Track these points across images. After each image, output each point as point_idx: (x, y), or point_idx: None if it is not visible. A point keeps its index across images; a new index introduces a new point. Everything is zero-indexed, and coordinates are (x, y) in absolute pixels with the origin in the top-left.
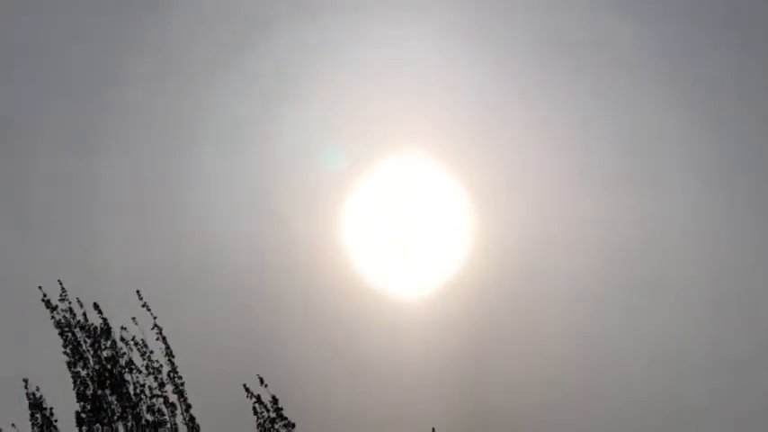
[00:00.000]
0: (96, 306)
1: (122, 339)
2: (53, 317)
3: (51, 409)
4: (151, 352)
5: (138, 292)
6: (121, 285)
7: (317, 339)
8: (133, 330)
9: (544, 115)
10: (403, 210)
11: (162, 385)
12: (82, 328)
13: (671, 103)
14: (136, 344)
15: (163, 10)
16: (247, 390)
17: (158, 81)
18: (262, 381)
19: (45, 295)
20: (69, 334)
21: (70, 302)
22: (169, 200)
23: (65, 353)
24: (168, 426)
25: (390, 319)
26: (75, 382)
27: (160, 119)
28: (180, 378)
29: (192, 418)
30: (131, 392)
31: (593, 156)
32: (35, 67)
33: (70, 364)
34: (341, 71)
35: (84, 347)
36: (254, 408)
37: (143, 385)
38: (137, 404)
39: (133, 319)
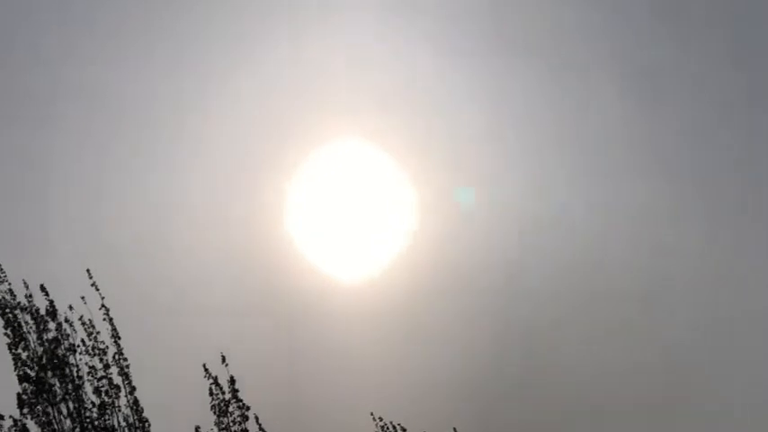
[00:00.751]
0: (43, 288)
1: (67, 321)
2: None
3: None
4: (98, 332)
5: (87, 270)
6: (71, 264)
7: (260, 321)
8: (81, 310)
9: (488, 99)
10: (345, 195)
11: (107, 367)
12: (23, 309)
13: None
14: (83, 324)
15: None
16: (206, 370)
17: None
18: (224, 359)
19: None
20: (10, 315)
21: (10, 283)
22: (114, 179)
23: (5, 334)
24: (114, 407)
25: (334, 302)
26: (15, 365)
27: (103, 97)
28: (125, 360)
29: (137, 401)
30: (75, 374)
31: (535, 136)
32: None
33: (11, 346)
34: (280, 58)
35: (25, 329)
36: (210, 389)
37: (91, 367)
38: (80, 386)
39: (82, 298)
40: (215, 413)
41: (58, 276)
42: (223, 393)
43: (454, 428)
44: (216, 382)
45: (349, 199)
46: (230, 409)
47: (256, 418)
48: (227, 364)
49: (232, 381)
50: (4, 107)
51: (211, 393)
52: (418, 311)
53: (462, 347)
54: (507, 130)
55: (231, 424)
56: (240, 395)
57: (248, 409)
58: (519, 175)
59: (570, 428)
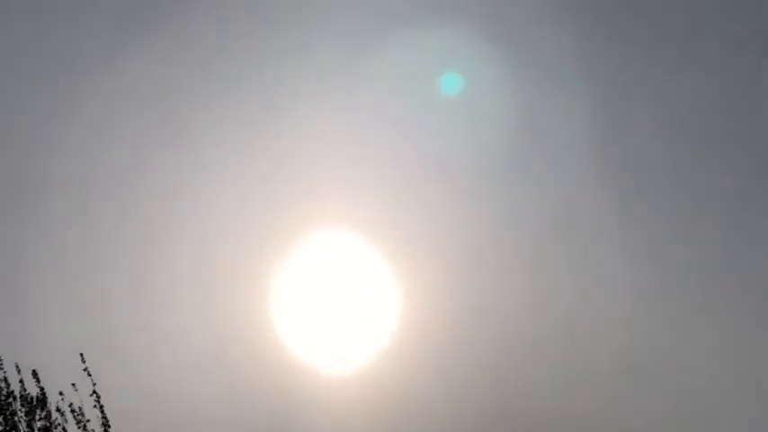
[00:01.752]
0: (35, 374)
1: (58, 410)
2: None
3: None
4: (87, 421)
5: (81, 355)
6: (63, 349)
7: (248, 417)
8: (71, 396)
9: (468, 190)
10: (329, 286)
11: None
12: (15, 398)
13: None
14: (73, 411)
15: None
16: None
17: None
18: None
19: None
20: (3, 403)
21: (5, 371)
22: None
23: None
24: None
25: (322, 395)
26: None
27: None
28: None
29: None
30: None
31: (516, 228)
32: None
33: None
34: (264, 153)
35: (18, 417)
36: None
37: None
38: None
39: (73, 385)
40: None
41: (48, 361)
42: None
43: None
44: None
45: (334, 290)
46: None
47: None
48: None
49: None
50: None
51: None
52: (404, 404)
53: None
54: (499, 223)
55: None
56: None
57: None
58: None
59: None
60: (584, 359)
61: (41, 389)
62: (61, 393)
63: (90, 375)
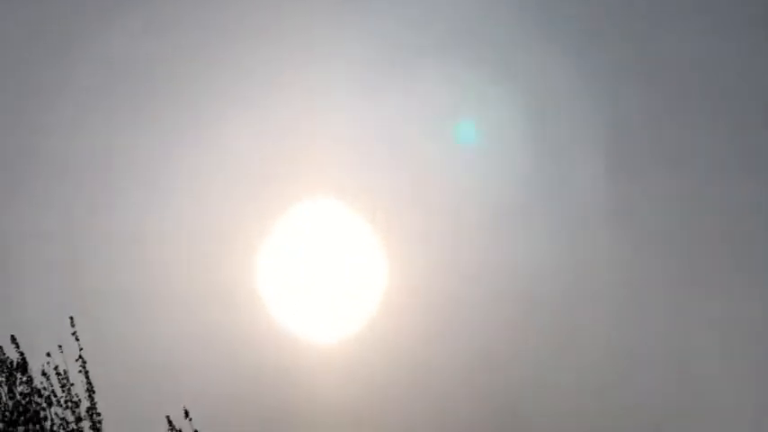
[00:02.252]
0: (14, 339)
1: (43, 373)
2: None
3: None
4: (72, 384)
5: (71, 318)
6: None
7: (234, 387)
8: (57, 359)
9: (452, 155)
10: (316, 254)
11: (79, 420)
12: None
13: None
14: (57, 374)
15: None
16: (170, 423)
17: None
18: (186, 414)
19: None
20: None
21: None
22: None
23: None
24: None
25: (309, 364)
26: None
27: (76, 161)
28: (98, 415)
29: None
30: (50, 428)
31: (511, 199)
32: None
33: None
34: (255, 113)
35: None
36: None
37: (62, 419)
38: None
39: (59, 347)
40: None
41: (36, 321)
42: None
43: None
44: None
45: (320, 259)
46: None
47: None
48: (190, 419)
49: None
50: None
51: None
52: (393, 371)
53: (444, 403)
54: (485, 202)
55: None
56: None
57: None
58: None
59: None
60: (578, 319)
61: (21, 354)
62: (49, 354)
63: (78, 340)
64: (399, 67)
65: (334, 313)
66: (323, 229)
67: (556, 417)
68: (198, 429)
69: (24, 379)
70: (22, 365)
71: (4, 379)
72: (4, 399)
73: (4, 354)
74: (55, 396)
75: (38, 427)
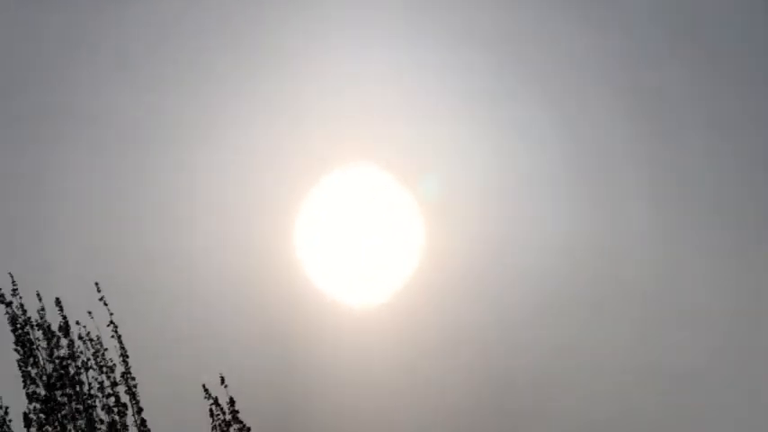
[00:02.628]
0: (58, 302)
1: (81, 338)
2: (7, 312)
3: (7, 408)
4: (105, 350)
5: (96, 284)
6: (77, 277)
7: (271, 352)
8: (88, 325)
9: (494, 122)
10: (354, 220)
11: (114, 385)
12: (33, 326)
13: (622, 103)
14: (91, 340)
15: None
16: (206, 390)
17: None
18: (222, 380)
19: (0, 290)
20: (20, 331)
21: (21, 297)
22: (121, 197)
23: (16, 350)
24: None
25: (346, 329)
26: (24, 382)
27: (109, 117)
28: (133, 379)
29: (144, 421)
30: (87, 392)
31: (544, 159)
32: None
33: (20, 363)
34: (295, 78)
35: (35, 346)
36: (210, 410)
37: (100, 383)
38: (91, 405)
39: (89, 313)
40: None
41: (62, 291)
42: (224, 414)
43: None
44: (216, 403)
45: (358, 222)
46: (231, 430)
47: None
48: (226, 386)
49: (231, 402)
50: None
51: (212, 414)
52: (431, 334)
53: (477, 367)
54: (520, 162)
55: None
56: (241, 417)
57: (249, 430)
58: (531, 201)
59: None
60: (610, 290)
61: (64, 317)
62: (78, 323)
63: (106, 305)
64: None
65: (371, 277)
66: (360, 192)
67: (595, 374)
68: (233, 396)
69: (66, 342)
70: (65, 329)
71: (44, 343)
72: (41, 363)
73: (43, 318)
74: (94, 359)
75: (77, 389)
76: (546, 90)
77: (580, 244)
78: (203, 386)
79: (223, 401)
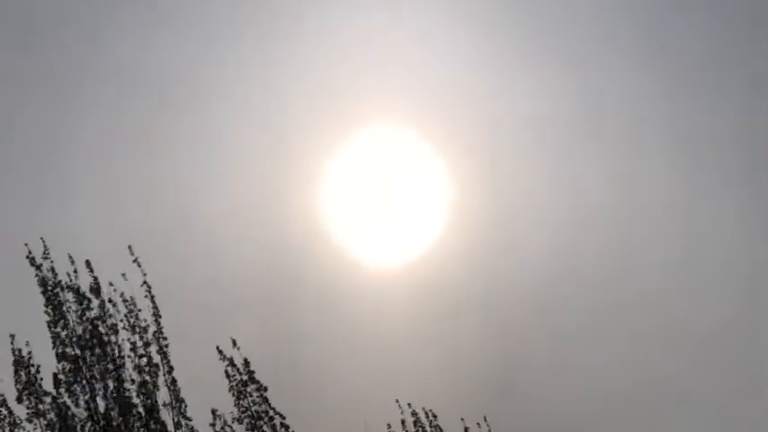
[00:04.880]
0: (88, 264)
1: (110, 301)
2: (37, 275)
3: (38, 366)
4: (139, 310)
5: (129, 247)
6: (110, 240)
7: (299, 310)
8: (121, 286)
9: (521, 84)
10: (380, 179)
11: (147, 345)
12: (63, 288)
13: (646, 73)
14: (125, 301)
15: None
16: (220, 352)
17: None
18: (234, 343)
19: (30, 252)
20: (51, 293)
21: (52, 261)
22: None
23: (46, 312)
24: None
25: (372, 289)
26: (54, 343)
27: (144, 77)
28: (165, 339)
29: (174, 381)
30: (117, 354)
31: (569, 121)
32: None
33: (50, 324)
34: (315, 42)
35: (65, 307)
36: (225, 371)
37: (132, 343)
38: (120, 366)
39: (123, 275)
40: (233, 395)
41: (96, 252)
42: (240, 374)
43: (462, 418)
44: (232, 363)
45: (385, 184)
46: (248, 389)
47: (268, 402)
48: (238, 348)
49: (246, 363)
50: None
51: (228, 376)
52: (453, 297)
53: (496, 331)
54: (547, 121)
55: (251, 405)
56: (258, 377)
57: (266, 389)
58: (553, 168)
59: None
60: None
61: (95, 278)
62: (111, 284)
63: (140, 266)
64: None
65: (397, 238)
66: (387, 153)
67: (617, 333)
68: (247, 358)
69: (97, 303)
70: (96, 290)
71: (74, 305)
72: (71, 324)
73: (72, 279)
74: (126, 320)
75: (107, 349)
76: (569, 53)
77: (608, 209)
78: (217, 348)
79: (238, 363)
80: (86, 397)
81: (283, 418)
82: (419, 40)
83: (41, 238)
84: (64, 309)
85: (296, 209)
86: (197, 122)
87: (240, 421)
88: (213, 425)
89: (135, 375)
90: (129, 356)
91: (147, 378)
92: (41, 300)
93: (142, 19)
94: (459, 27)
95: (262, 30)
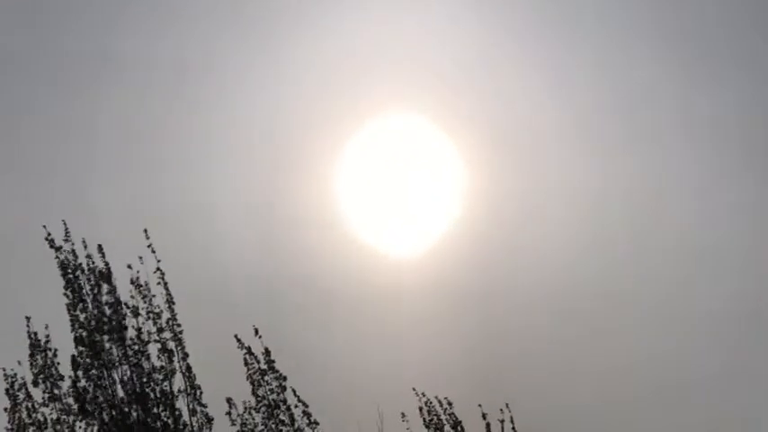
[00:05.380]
0: (100, 248)
1: (132, 282)
2: (57, 257)
3: (55, 350)
4: (153, 296)
5: (145, 231)
6: (127, 225)
7: (314, 298)
8: (136, 271)
9: (536, 73)
10: (394, 169)
11: (161, 331)
12: (83, 270)
13: (665, 58)
14: (138, 285)
15: None
16: (239, 341)
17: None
18: (256, 332)
19: (49, 234)
20: (71, 276)
21: (74, 244)
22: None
23: (65, 294)
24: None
25: (382, 276)
26: (73, 326)
27: (161, 63)
28: (179, 326)
29: (189, 367)
30: (137, 338)
31: (585, 110)
32: None
33: (69, 307)
34: (333, 29)
35: (85, 290)
36: (244, 359)
37: (150, 333)
38: (138, 351)
39: (140, 258)
40: (251, 383)
41: (112, 238)
42: (258, 363)
43: (479, 404)
44: (249, 352)
45: (399, 174)
46: (266, 378)
47: (293, 391)
48: (260, 337)
49: (267, 352)
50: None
51: (246, 364)
52: (466, 287)
53: (509, 322)
54: (561, 112)
55: (268, 393)
56: (278, 366)
57: (285, 379)
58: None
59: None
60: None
61: (106, 263)
62: (130, 266)
63: (154, 252)
64: None
65: (412, 226)
66: (402, 141)
67: (629, 315)
68: (268, 347)
69: (108, 289)
70: (107, 275)
71: (89, 288)
72: (90, 308)
73: (92, 263)
74: (137, 311)
75: (122, 334)
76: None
77: (621, 192)
78: (236, 336)
79: (258, 352)
80: (104, 381)
81: (306, 406)
82: (429, 26)
83: (63, 221)
84: (83, 292)
85: (311, 196)
86: (212, 113)
87: (257, 410)
88: (229, 413)
89: (156, 361)
90: (144, 342)
91: (163, 364)
92: (57, 283)
93: (157, 8)
94: (472, 12)
95: (273, 19)
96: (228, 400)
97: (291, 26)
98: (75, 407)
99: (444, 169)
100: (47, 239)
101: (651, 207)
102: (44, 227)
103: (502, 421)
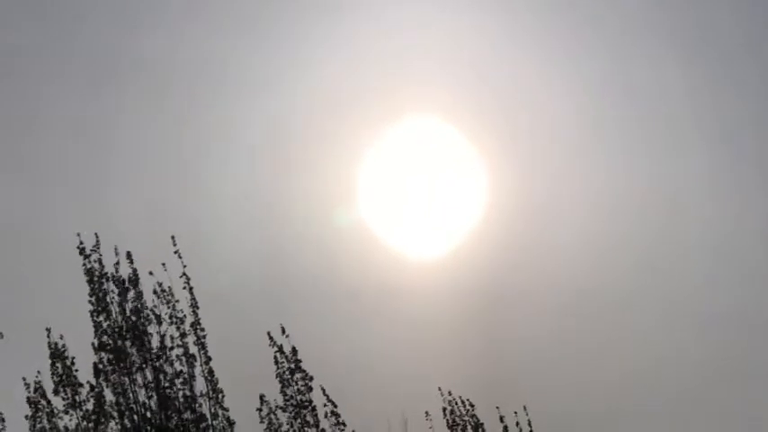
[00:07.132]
0: (129, 255)
1: (154, 292)
2: (84, 264)
3: (73, 358)
4: (176, 301)
5: (172, 237)
6: (152, 230)
7: (336, 302)
8: (161, 277)
9: (556, 76)
10: (415, 172)
11: (183, 336)
12: (109, 279)
13: (686, 61)
14: (163, 291)
15: None
16: (271, 338)
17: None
18: (284, 331)
19: (81, 242)
20: (97, 283)
21: (101, 254)
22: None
23: (90, 302)
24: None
25: (403, 279)
26: (96, 332)
27: (178, 69)
28: (202, 330)
29: (212, 372)
30: (155, 345)
31: (604, 113)
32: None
33: (93, 313)
34: (356, 33)
35: (109, 298)
36: (275, 357)
37: (173, 337)
38: (160, 356)
39: (163, 264)
40: (279, 382)
41: (129, 240)
42: (288, 362)
43: (524, 406)
44: (280, 350)
45: (420, 177)
46: (294, 377)
47: (323, 389)
48: (287, 335)
49: (294, 351)
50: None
51: (276, 362)
52: (487, 289)
53: (530, 325)
54: (581, 116)
55: (296, 393)
56: (304, 366)
57: (312, 379)
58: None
59: None
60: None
61: (134, 270)
62: (151, 273)
63: (180, 258)
64: None
65: (434, 229)
66: (424, 144)
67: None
68: (296, 346)
69: (134, 296)
70: (134, 281)
71: (116, 295)
72: (114, 315)
73: (118, 271)
74: (159, 318)
75: (145, 340)
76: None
77: (640, 195)
78: (268, 333)
79: (286, 351)
80: (126, 387)
81: (335, 406)
82: (461, 31)
83: (95, 234)
84: (108, 299)
85: (334, 199)
86: (236, 113)
87: (284, 409)
88: (260, 410)
89: (178, 366)
90: (168, 347)
91: (185, 368)
92: (77, 291)
93: (180, 8)
94: (494, 17)
95: (297, 19)
96: (261, 397)
97: (319, 27)
98: (95, 413)
99: (466, 173)
100: (78, 247)
101: (667, 210)
102: (77, 234)
103: (518, 424)
